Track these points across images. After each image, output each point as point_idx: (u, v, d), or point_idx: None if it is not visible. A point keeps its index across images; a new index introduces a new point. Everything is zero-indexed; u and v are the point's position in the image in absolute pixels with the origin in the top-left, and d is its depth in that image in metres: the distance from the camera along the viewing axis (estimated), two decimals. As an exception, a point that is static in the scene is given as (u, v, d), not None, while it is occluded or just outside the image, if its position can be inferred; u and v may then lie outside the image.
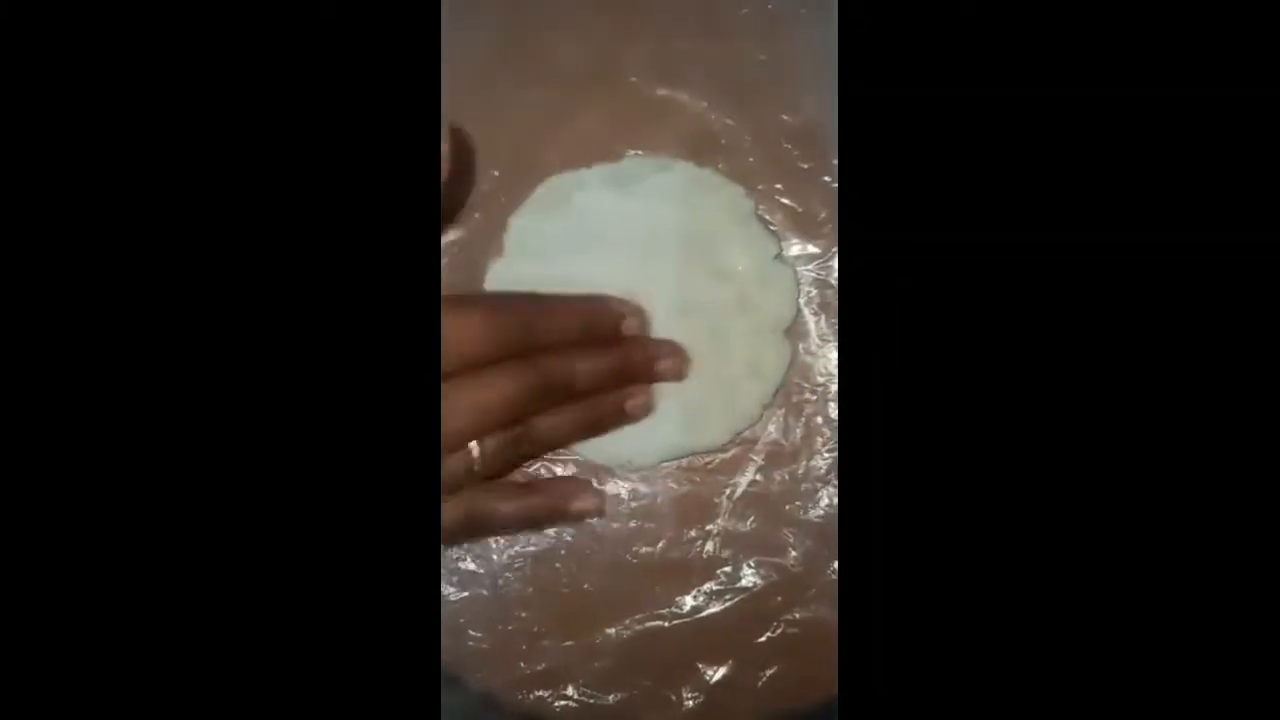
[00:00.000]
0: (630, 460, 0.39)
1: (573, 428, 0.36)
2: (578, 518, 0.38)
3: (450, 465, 0.32)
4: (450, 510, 0.34)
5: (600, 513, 0.38)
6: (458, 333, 0.32)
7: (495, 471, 0.34)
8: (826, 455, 0.38)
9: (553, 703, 0.38)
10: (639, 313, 0.38)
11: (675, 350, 0.38)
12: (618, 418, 0.37)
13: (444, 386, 0.31)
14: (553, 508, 0.37)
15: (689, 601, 0.38)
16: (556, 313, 0.35)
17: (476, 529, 0.36)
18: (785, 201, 0.39)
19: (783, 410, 0.39)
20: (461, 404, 0.32)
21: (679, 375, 0.38)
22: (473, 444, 0.32)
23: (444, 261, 0.38)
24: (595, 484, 0.39)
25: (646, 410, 0.38)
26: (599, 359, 0.36)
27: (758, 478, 0.39)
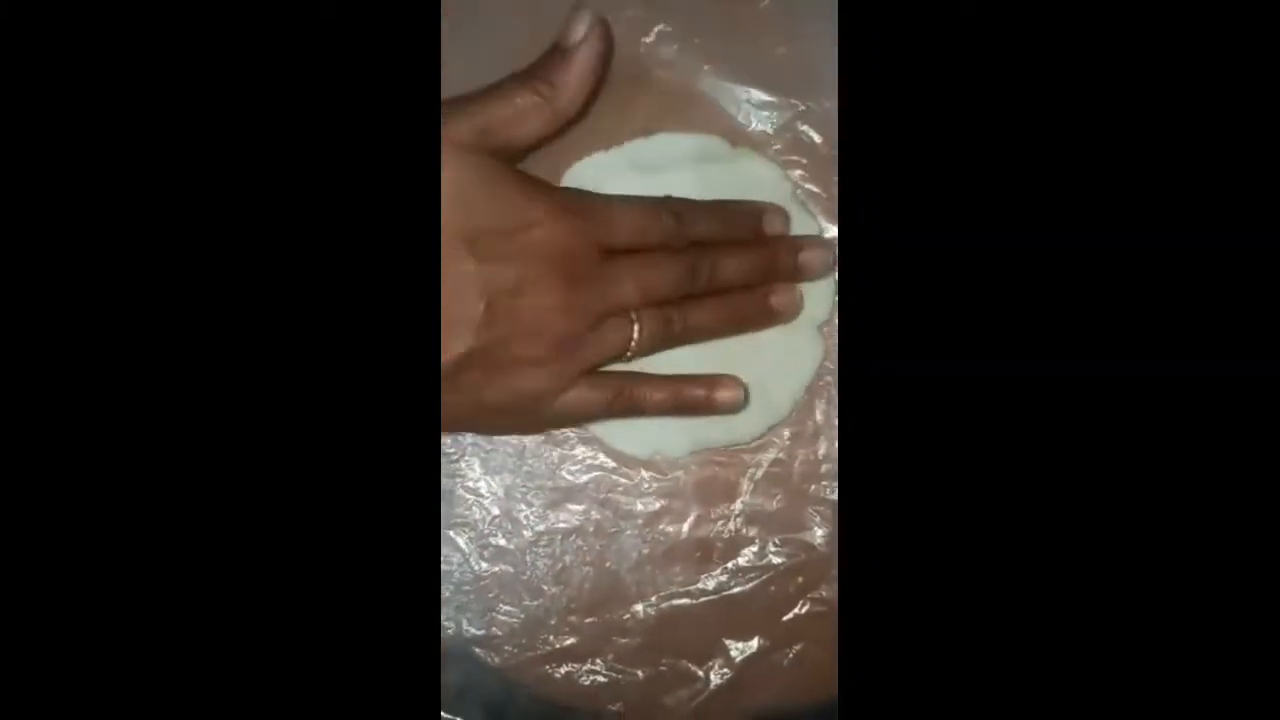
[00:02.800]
0: (660, 451, 0.39)
1: (722, 318, 0.37)
2: (722, 409, 0.37)
3: (610, 333, 0.34)
4: (601, 389, 0.35)
5: (741, 405, 0.38)
6: (623, 219, 0.34)
7: (647, 347, 0.35)
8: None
9: (580, 679, 0.38)
10: (780, 212, 0.38)
11: (819, 243, 0.38)
12: (766, 314, 0.38)
13: (611, 262, 0.34)
14: (699, 398, 0.37)
15: (715, 579, 0.39)
16: (702, 211, 0.37)
17: (625, 410, 0.36)
18: (809, 187, 0.40)
19: (807, 391, 0.39)
20: (625, 275, 0.34)
21: (825, 268, 0.38)
22: (632, 313, 0.34)
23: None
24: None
25: (793, 308, 0.38)
26: (743, 254, 0.37)
27: (781, 457, 0.39)
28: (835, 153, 0.39)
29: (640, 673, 0.38)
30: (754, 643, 0.38)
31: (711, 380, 0.37)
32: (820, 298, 0.39)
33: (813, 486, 0.39)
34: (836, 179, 0.39)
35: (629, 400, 0.36)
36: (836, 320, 0.39)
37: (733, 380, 0.37)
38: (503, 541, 0.39)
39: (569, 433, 0.39)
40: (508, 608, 0.38)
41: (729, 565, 0.39)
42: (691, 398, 0.37)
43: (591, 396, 0.35)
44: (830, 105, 0.40)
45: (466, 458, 0.39)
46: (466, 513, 0.39)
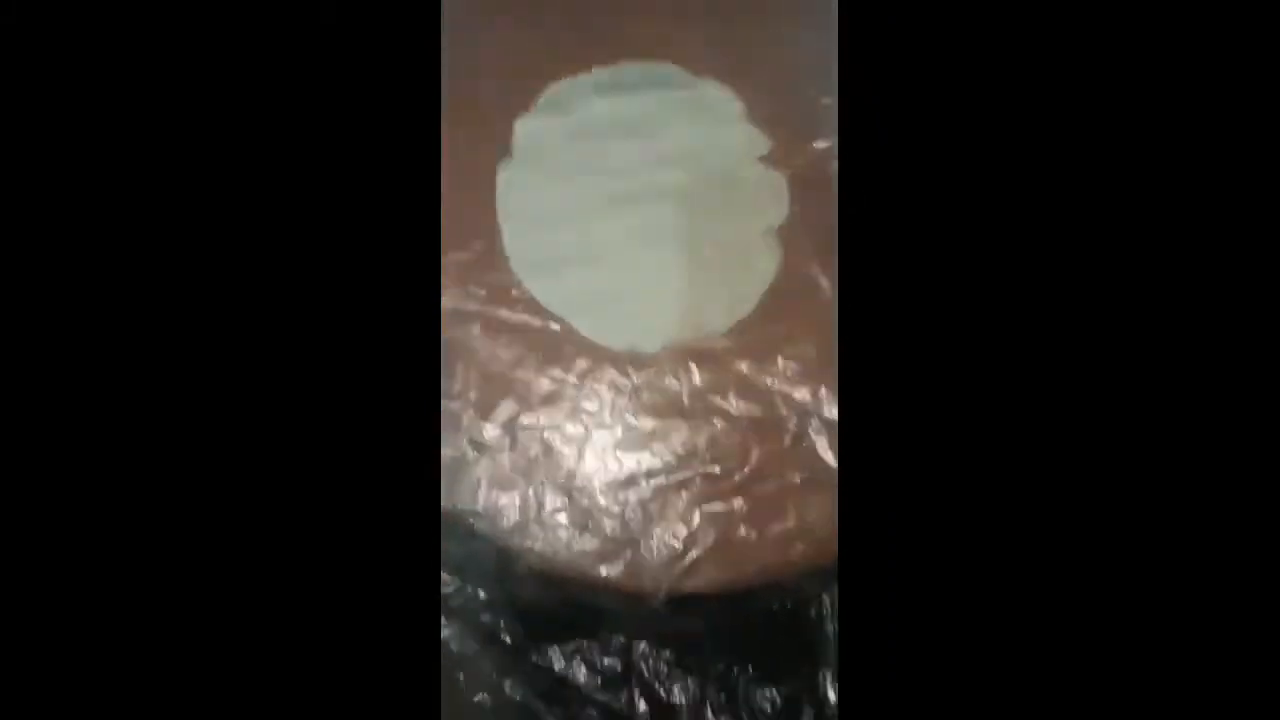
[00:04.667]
0: (634, 346, 0.41)
1: None
2: None
3: None
4: None
5: None
6: None
7: None
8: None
9: (568, 550, 0.39)
10: None
11: None
12: None
13: None
14: None
15: (699, 458, 0.40)
16: None
17: None
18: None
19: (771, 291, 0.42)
20: None
21: None
22: None
23: (452, 167, 0.41)
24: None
25: None
26: None
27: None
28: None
29: (629, 550, 0.39)
30: (736, 506, 0.39)
31: None
32: (774, 201, 0.43)
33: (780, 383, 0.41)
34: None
35: None
36: (792, 226, 0.43)
37: None
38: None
39: (553, 325, 0.41)
40: (495, 490, 0.39)
41: (709, 440, 0.40)
42: None
43: None
44: (803, 45, 0.45)
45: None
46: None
